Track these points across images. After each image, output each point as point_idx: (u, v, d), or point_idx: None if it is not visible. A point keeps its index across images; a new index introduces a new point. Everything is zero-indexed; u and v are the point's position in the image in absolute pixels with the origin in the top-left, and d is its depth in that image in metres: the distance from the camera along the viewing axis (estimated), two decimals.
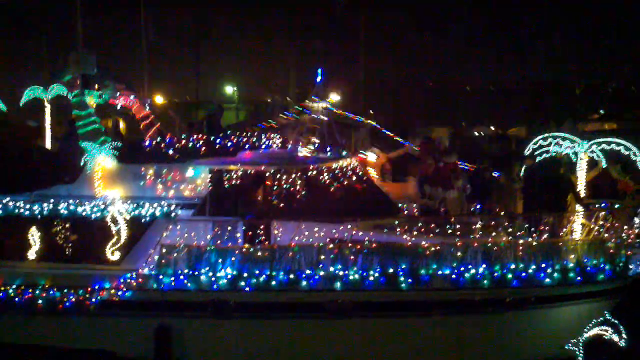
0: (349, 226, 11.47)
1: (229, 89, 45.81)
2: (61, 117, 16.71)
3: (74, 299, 11.93)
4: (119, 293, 11.77)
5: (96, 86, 13.65)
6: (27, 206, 12.39)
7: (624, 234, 11.36)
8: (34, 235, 12.41)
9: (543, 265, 11.01)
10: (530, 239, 11.20)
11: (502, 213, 13.03)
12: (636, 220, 11.50)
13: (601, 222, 11.42)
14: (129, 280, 11.75)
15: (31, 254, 12.39)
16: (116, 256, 12.06)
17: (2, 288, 12.11)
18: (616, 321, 11.53)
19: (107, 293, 11.81)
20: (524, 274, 10.96)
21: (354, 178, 12.90)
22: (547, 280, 11.00)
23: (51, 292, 12.00)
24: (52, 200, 12.34)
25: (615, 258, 11.23)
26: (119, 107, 14.49)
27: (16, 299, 12.06)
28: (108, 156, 12.88)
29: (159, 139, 13.21)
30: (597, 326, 11.45)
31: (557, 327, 11.56)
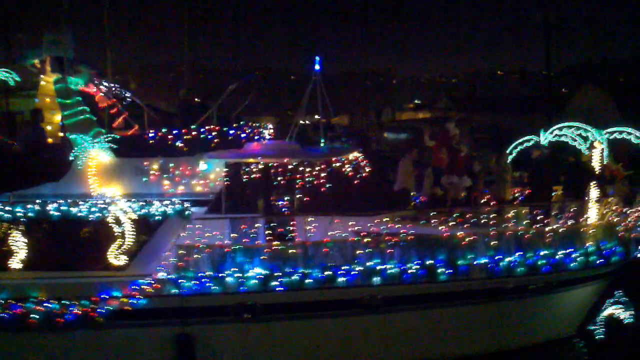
0: (385, 219, 11.16)
1: None
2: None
3: (77, 311, 10.56)
4: (131, 301, 10.58)
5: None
6: (8, 208, 10.78)
7: (630, 219, 12.11)
8: (19, 241, 10.81)
9: (569, 250, 11.43)
10: (557, 227, 11.57)
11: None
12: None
13: (614, 208, 12.07)
14: (142, 287, 10.59)
15: (16, 263, 10.78)
16: (122, 261, 10.82)
17: None
18: (627, 299, 12.30)
19: (116, 302, 10.57)
20: (553, 260, 11.31)
21: (367, 169, 12.54)
22: (573, 264, 11.44)
23: (47, 305, 10.54)
24: (37, 201, 10.82)
25: (625, 240, 11.96)
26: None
27: (2, 315, 10.45)
28: (103, 149, 11.46)
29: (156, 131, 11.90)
30: (611, 305, 12.12)
31: (577, 307, 12.10)
